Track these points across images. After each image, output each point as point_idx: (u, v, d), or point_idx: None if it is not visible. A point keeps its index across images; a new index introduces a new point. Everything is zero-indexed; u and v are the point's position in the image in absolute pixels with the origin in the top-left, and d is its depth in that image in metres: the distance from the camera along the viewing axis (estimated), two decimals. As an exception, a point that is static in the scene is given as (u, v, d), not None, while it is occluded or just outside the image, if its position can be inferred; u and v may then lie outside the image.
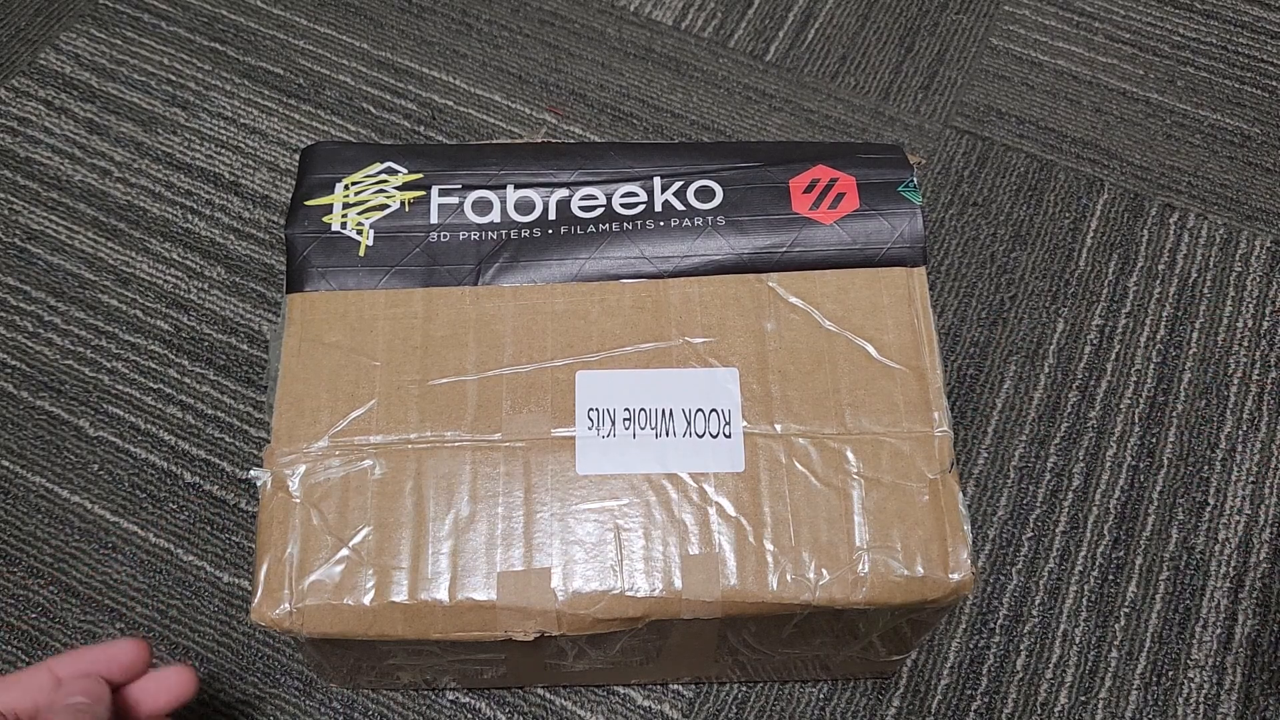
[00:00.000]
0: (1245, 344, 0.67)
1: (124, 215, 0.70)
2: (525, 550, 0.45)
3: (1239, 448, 0.64)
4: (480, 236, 0.51)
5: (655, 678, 0.56)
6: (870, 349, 0.48)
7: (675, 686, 0.57)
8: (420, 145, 0.55)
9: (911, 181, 0.52)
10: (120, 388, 0.64)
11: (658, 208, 0.52)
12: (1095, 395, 0.66)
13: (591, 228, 0.51)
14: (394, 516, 0.45)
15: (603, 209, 0.51)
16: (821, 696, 0.57)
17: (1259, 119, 0.76)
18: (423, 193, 0.52)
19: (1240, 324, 0.68)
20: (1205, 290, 0.69)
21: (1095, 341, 0.67)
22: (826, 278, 0.50)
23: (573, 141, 0.55)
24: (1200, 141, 0.75)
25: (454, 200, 0.52)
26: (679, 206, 0.51)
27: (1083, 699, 0.57)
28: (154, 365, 0.65)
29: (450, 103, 0.75)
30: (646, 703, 0.56)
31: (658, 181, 0.52)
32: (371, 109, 0.75)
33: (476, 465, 0.46)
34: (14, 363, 0.65)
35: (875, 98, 0.77)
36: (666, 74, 0.77)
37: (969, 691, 0.57)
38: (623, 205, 0.52)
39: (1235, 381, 0.66)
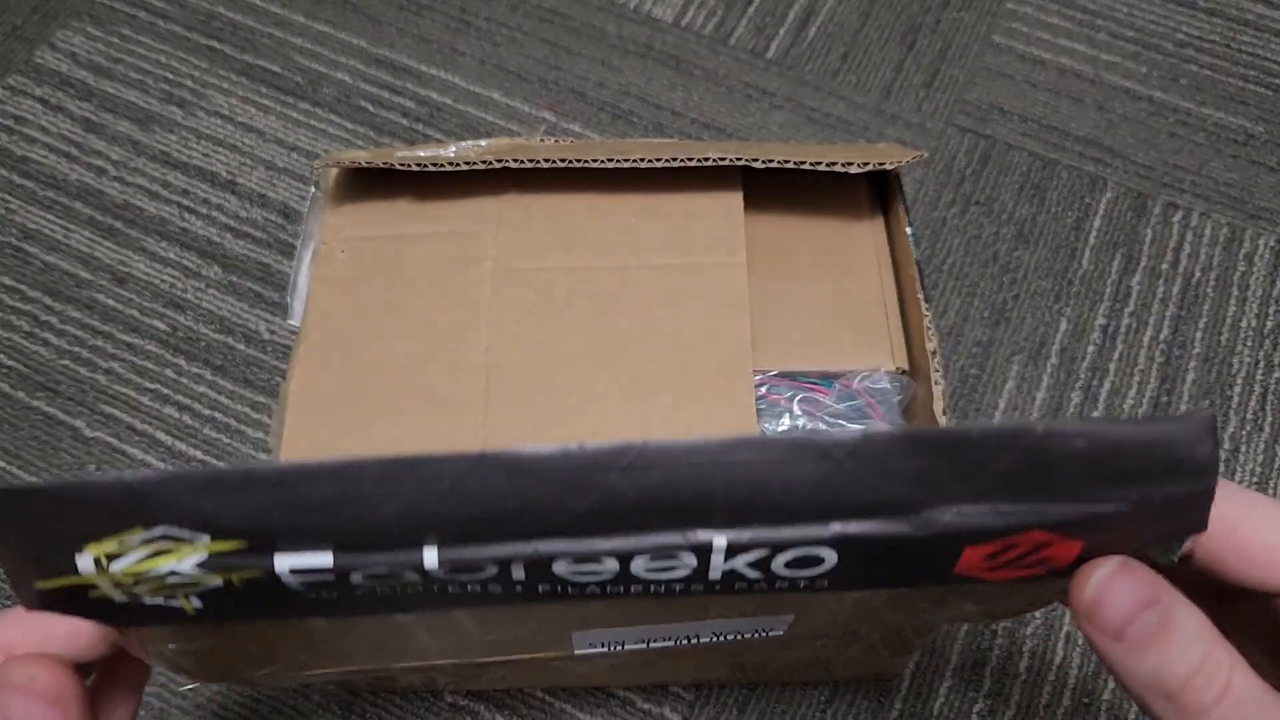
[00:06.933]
0: (1249, 343, 0.67)
1: (120, 214, 0.70)
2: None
3: (1242, 448, 0.64)
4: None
5: (655, 680, 0.56)
6: None
7: (675, 689, 0.57)
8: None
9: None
10: (117, 388, 0.64)
11: (714, 577, 0.28)
12: (1098, 395, 0.65)
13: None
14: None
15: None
16: (823, 699, 0.56)
17: (1263, 117, 0.76)
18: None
19: (1244, 323, 0.68)
20: (1209, 289, 0.69)
21: (1098, 341, 0.67)
22: None
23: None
24: (1204, 140, 0.75)
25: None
26: (751, 576, 0.28)
27: (1085, 701, 0.57)
28: (150, 365, 0.65)
29: (449, 100, 0.75)
30: (647, 705, 0.56)
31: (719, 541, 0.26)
32: (369, 106, 0.75)
33: None
34: (10, 363, 0.65)
35: (877, 95, 0.76)
36: (667, 71, 0.77)
37: (971, 694, 0.57)
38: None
39: (1239, 381, 0.66)
